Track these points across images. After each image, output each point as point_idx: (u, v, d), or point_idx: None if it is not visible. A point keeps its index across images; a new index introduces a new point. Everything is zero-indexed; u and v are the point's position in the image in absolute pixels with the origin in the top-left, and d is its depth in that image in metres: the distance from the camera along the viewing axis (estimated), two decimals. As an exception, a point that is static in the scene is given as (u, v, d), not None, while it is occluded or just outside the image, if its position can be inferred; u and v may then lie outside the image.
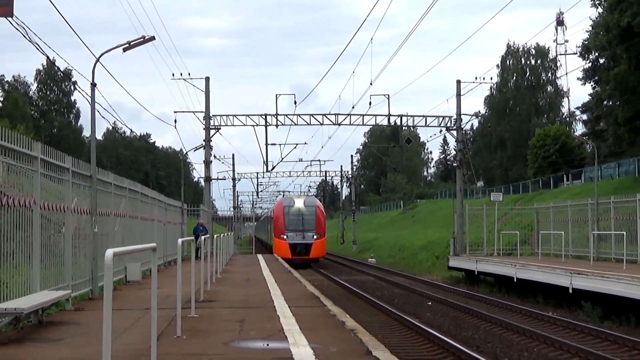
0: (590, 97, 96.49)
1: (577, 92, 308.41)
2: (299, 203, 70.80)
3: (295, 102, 55.79)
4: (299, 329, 15.63)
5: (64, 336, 14.97)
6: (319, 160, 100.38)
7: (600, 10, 73.46)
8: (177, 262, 16.22)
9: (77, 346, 13.74)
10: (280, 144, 66.47)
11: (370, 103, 55.13)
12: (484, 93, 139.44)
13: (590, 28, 78.68)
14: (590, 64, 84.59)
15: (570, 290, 30.87)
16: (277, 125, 55.66)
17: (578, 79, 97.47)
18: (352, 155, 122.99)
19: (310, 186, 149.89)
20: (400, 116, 56.74)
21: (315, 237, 67.35)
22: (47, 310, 17.13)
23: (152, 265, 10.88)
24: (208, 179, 57.80)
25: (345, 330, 15.77)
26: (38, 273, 17.37)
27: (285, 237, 66.92)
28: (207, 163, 56.22)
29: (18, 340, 14.43)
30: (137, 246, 11.18)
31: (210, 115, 55.06)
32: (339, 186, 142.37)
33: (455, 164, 58.19)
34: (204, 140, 55.66)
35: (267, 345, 13.82)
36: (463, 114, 54.04)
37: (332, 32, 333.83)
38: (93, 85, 25.53)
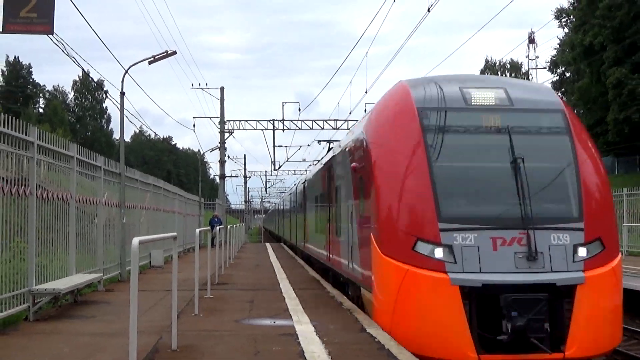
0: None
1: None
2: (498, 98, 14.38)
3: (299, 109, 55.93)
4: (302, 309, 15.61)
5: (96, 314, 15.02)
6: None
7: (566, 30, 75.15)
8: (195, 250, 16.28)
9: (107, 322, 13.75)
10: (286, 146, 66.15)
11: (365, 110, 54.60)
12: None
13: (558, 46, 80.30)
14: (557, 78, 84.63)
15: None
16: (283, 130, 55.74)
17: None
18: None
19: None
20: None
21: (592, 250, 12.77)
22: (81, 291, 17.19)
23: (173, 252, 10.90)
24: (222, 176, 57.89)
25: (342, 310, 15.72)
26: (74, 258, 17.42)
27: (438, 254, 12.45)
28: (222, 162, 56.37)
29: (56, 317, 14.48)
30: (160, 235, 11.21)
31: (225, 120, 55.10)
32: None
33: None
34: (219, 143, 55.71)
35: (274, 322, 13.77)
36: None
37: (332, 47, 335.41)
38: (122, 93, 25.62)
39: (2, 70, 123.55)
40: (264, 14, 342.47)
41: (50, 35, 15.58)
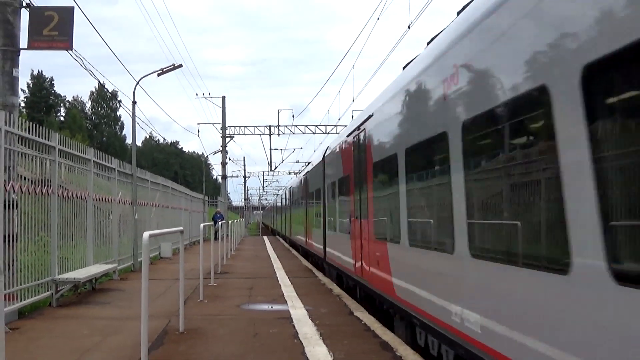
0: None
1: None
2: None
3: (293, 116, 56.99)
4: (296, 295, 15.68)
5: (111, 300, 15.09)
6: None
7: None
8: (200, 242, 16.36)
9: (121, 308, 13.81)
10: (281, 149, 66.57)
11: (352, 116, 54.67)
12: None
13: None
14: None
15: None
16: (278, 134, 55.65)
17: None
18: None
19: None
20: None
21: None
22: (98, 280, 17.25)
23: (180, 245, 10.97)
24: (224, 176, 58.01)
25: (332, 295, 15.78)
26: (91, 250, 17.51)
27: None
28: (224, 164, 56.43)
29: (77, 303, 14.57)
30: (168, 230, 11.27)
31: (226, 126, 55.10)
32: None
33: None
34: (221, 146, 55.71)
35: (272, 307, 13.82)
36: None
37: (323, 61, 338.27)
38: (134, 103, 25.76)
39: (28, 83, 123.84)
40: (262, 32, 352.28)
41: (70, 51, 15.62)
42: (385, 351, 9.45)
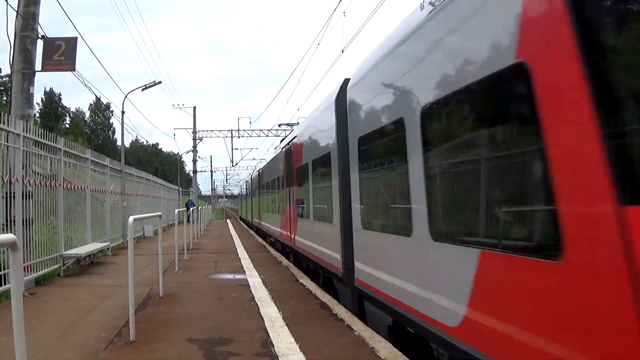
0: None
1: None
2: None
3: (250, 122, 56.64)
4: (253, 266, 15.86)
5: (106, 271, 15.20)
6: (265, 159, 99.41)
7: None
8: (175, 225, 16.63)
9: (114, 277, 13.94)
10: (241, 149, 67.00)
11: (298, 122, 55.02)
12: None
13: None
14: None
15: None
16: (239, 137, 55.78)
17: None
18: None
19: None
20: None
21: None
22: (96, 255, 17.32)
23: (158, 227, 11.03)
24: (195, 171, 58.03)
25: (282, 266, 15.99)
26: (90, 232, 17.58)
27: None
28: (194, 161, 56.44)
29: (79, 274, 14.67)
30: (149, 214, 11.31)
31: (196, 130, 55.12)
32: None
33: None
34: (192, 147, 55.64)
35: (234, 277, 14.00)
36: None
37: (275, 79, 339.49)
38: (122, 112, 25.81)
39: (41, 98, 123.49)
40: (229, 55, 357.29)
41: (74, 72, 15.81)
42: (324, 310, 9.65)
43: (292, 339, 7.57)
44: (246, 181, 48.44)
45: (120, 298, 10.68)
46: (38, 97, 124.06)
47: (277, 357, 6.77)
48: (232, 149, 62.53)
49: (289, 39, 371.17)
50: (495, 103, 4.93)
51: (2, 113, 11.02)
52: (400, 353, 6.89)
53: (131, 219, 8.05)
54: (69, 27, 65.39)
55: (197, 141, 55.19)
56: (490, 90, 4.87)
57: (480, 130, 5.17)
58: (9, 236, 3.91)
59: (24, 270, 11.42)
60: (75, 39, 15.10)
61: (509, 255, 4.60)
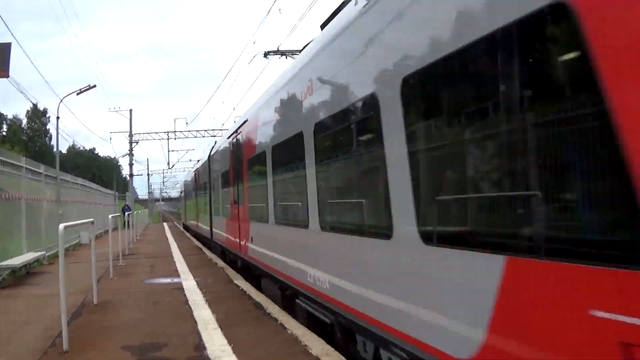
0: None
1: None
2: None
3: (187, 123, 56.44)
4: (188, 270, 15.93)
5: (42, 281, 14.95)
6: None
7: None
8: (109, 231, 16.49)
9: (50, 287, 13.62)
10: (177, 150, 66.35)
11: (235, 121, 54.92)
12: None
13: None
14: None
15: None
16: (175, 138, 55.56)
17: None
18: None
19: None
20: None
21: None
22: (32, 265, 17.01)
23: (92, 233, 10.94)
24: (131, 175, 56.88)
25: (217, 267, 16.13)
26: (25, 241, 17.29)
27: None
28: (131, 165, 55.49)
29: (15, 285, 14.41)
30: (80, 221, 11.02)
31: (133, 133, 54.28)
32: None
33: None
34: (128, 150, 54.93)
35: (172, 280, 14.05)
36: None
37: (210, 79, 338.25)
38: (57, 117, 25.45)
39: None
40: (165, 56, 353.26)
41: (7, 79, 15.60)
42: (258, 310, 9.80)
43: (225, 341, 7.74)
44: (185, 182, 46.55)
45: (56, 308, 10.40)
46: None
47: (208, 360, 6.94)
48: (169, 150, 62.05)
49: (229, 39, 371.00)
50: None
51: None
52: (332, 349, 7.16)
53: (61, 226, 7.98)
54: (5, 33, 63.29)
55: (134, 144, 54.44)
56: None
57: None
58: None
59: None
60: (9, 44, 14.91)
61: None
